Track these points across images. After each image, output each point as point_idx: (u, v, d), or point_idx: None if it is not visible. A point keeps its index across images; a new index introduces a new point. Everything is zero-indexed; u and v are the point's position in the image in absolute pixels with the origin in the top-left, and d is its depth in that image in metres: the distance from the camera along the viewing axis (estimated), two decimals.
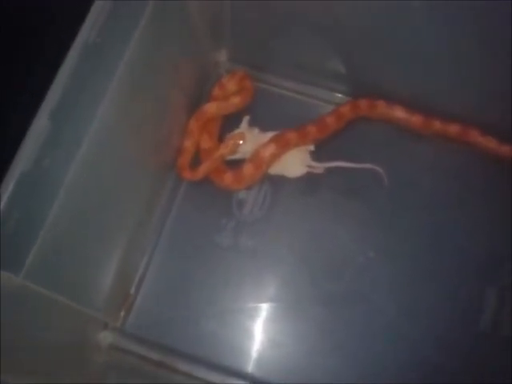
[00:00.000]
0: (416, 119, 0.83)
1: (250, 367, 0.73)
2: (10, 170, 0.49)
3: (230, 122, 0.83)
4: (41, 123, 0.51)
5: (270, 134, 0.80)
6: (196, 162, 0.81)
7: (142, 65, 0.65)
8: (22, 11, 0.61)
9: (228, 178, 0.78)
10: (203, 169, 0.78)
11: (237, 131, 0.80)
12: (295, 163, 0.80)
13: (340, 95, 0.87)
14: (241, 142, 0.79)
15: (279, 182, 0.82)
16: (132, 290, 0.76)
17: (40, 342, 0.59)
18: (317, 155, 0.81)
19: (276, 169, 0.80)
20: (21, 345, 0.54)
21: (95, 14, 0.58)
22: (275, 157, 0.79)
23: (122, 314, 0.75)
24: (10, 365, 0.49)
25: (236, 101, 0.81)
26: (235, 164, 0.80)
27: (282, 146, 0.78)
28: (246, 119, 0.81)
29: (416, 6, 0.67)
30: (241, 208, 0.81)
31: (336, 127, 0.82)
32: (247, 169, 0.78)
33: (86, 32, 0.57)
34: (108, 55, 0.59)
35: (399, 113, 0.83)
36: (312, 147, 0.81)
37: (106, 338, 0.73)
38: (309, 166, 0.80)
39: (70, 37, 0.56)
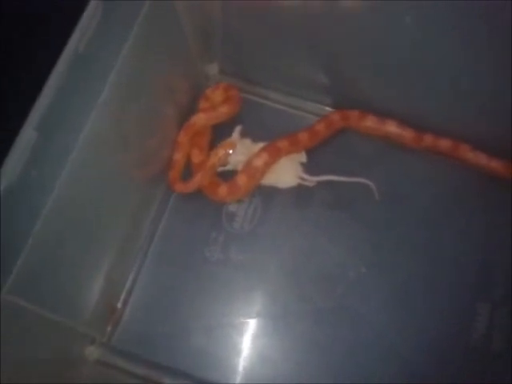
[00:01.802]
0: (407, 134, 0.83)
1: (238, 382, 0.72)
2: None
3: (220, 134, 0.83)
4: (28, 134, 0.50)
5: (261, 145, 0.80)
6: (186, 175, 0.81)
7: (133, 77, 0.64)
8: (11, 18, 0.61)
9: (223, 190, 0.78)
10: (196, 180, 0.78)
11: (227, 140, 0.80)
12: (287, 174, 0.80)
13: (329, 109, 0.87)
14: (231, 151, 0.78)
15: (270, 195, 0.81)
16: (119, 305, 0.75)
17: (25, 357, 0.58)
18: (308, 169, 0.81)
19: (268, 180, 0.80)
20: (6, 359, 0.52)
21: (85, 25, 0.57)
22: (268, 166, 0.78)
23: (109, 328, 0.74)
24: None
25: (224, 109, 0.82)
26: (228, 176, 0.80)
27: (274, 154, 0.78)
28: (237, 129, 0.81)
29: (408, 23, 0.67)
30: (231, 221, 0.80)
31: (326, 134, 0.82)
32: (241, 179, 0.78)
33: (76, 42, 0.56)
34: (98, 66, 0.59)
35: (390, 127, 0.83)
36: (304, 159, 0.81)
37: (92, 352, 0.72)
38: (300, 178, 0.80)
39: (58, 47, 0.55)
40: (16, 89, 0.55)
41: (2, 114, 0.52)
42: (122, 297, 0.76)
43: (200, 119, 0.81)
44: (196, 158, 0.81)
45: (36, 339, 0.59)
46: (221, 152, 0.78)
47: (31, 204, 0.51)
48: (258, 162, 0.77)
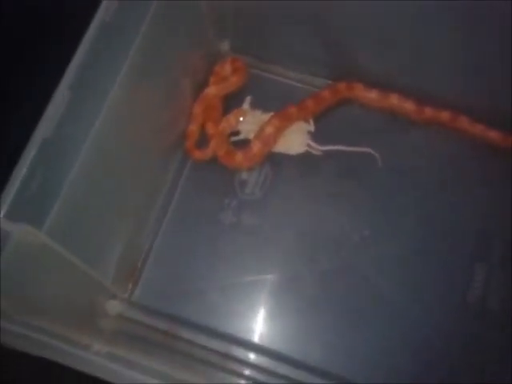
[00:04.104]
0: (408, 106, 0.87)
1: (250, 336, 0.77)
2: (33, 135, 0.54)
3: (232, 107, 0.88)
4: (62, 94, 0.56)
5: (271, 115, 0.85)
6: (202, 145, 0.86)
7: (152, 50, 0.69)
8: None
9: (239, 157, 0.83)
10: (212, 146, 0.84)
11: (238, 109, 0.86)
12: (296, 141, 0.85)
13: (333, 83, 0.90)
14: (241, 118, 0.85)
15: (279, 164, 0.86)
16: (139, 264, 0.80)
17: (53, 300, 0.62)
18: (315, 139, 0.86)
19: (278, 147, 0.85)
20: (38, 296, 0.58)
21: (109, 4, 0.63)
22: (279, 131, 0.84)
23: (130, 285, 0.79)
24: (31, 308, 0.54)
25: (233, 79, 0.88)
26: (242, 145, 0.85)
27: (285, 120, 0.84)
28: (247, 99, 0.87)
29: None
30: (243, 188, 0.85)
31: (331, 101, 0.87)
32: (256, 146, 0.83)
33: (102, 15, 0.62)
34: (122, 37, 0.64)
35: (392, 99, 0.87)
36: (312, 128, 0.86)
37: (114, 307, 0.77)
38: (308, 146, 0.85)
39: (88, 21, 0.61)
40: (52, 55, 0.62)
41: (40, 77, 0.58)
42: (142, 256, 0.81)
43: (212, 90, 0.87)
44: (211, 129, 0.86)
45: (64, 284, 0.64)
46: (231, 118, 0.85)
47: (65, 157, 0.57)
48: (270, 129, 0.83)
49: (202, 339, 0.77)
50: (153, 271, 0.81)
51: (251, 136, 0.84)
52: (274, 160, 0.86)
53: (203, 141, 0.86)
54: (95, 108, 0.60)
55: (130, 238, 0.77)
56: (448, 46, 0.78)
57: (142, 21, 0.66)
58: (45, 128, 0.55)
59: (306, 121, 0.87)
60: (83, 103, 0.59)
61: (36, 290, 0.58)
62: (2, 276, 0.51)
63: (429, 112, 0.87)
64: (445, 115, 0.87)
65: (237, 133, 0.86)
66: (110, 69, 0.63)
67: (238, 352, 0.77)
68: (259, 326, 0.78)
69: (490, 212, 0.84)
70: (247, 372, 0.75)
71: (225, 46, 0.93)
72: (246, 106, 0.87)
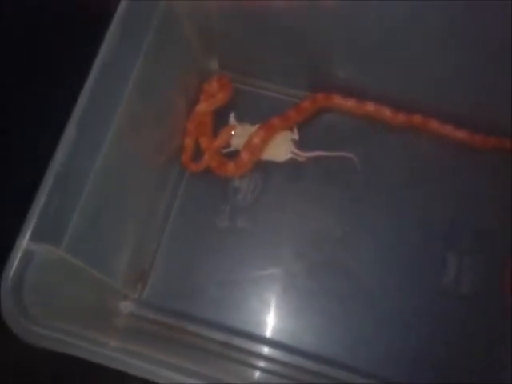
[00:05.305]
0: (384, 112, 0.95)
1: (248, 326, 0.87)
2: (48, 169, 0.64)
3: (221, 122, 0.98)
4: (70, 132, 0.65)
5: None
6: (197, 158, 0.95)
7: (148, 78, 0.77)
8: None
9: (231, 167, 0.92)
10: (206, 159, 0.93)
11: (228, 126, 0.96)
12: (282, 149, 0.94)
13: None
14: (232, 132, 0.94)
15: (267, 171, 0.95)
16: (147, 267, 0.90)
17: (72, 305, 0.72)
18: (299, 146, 0.95)
19: (266, 155, 0.94)
20: (60, 302, 0.68)
21: (109, 41, 0.72)
22: (265, 141, 0.92)
23: (139, 287, 0.88)
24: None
25: (220, 96, 0.97)
26: (232, 156, 0.94)
27: (269, 131, 0.92)
28: (232, 115, 0.97)
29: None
30: (236, 195, 0.94)
31: (311, 111, 0.96)
32: (245, 155, 0.92)
33: (103, 55, 0.71)
34: (121, 71, 0.73)
35: (368, 107, 0.96)
36: (296, 136, 0.95)
37: (125, 307, 0.86)
38: (293, 153, 0.94)
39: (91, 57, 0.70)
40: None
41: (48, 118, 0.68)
42: (149, 260, 0.90)
43: (202, 107, 0.96)
44: (204, 144, 0.95)
45: (82, 293, 0.75)
46: (224, 135, 0.94)
47: (75, 185, 0.66)
48: (257, 139, 0.91)
49: (204, 331, 0.86)
50: (159, 273, 0.90)
51: (240, 147, 0.93)
52: (263, 168, 0.95)
53: (197, 153, 0.96)
54: (100, 137, 0.70)
55: (137, 245, 0.87)
56: (421, 59, 0.86)
57: (138, 55, 0.75)
58: (57, 161, 0.64)
59: (291, 130, 0.96)
60: (88, 136, 0.68)
61: (58, 297, 0.68)
62: (31, 288, 0.61)
63: (402, 116, 0.95)
64: (417, 118, 0.95)
65: (228, 145, 0.96)
66: (112, 102, 0.72)
67: (239, 341, 0.86)
68: (257, 317, 0.88)
69: (461, 205, 0.93)
70: (247, 359, 0.85)
71: (214, 64, 1.01)
72: (232, 120, 0.96)
